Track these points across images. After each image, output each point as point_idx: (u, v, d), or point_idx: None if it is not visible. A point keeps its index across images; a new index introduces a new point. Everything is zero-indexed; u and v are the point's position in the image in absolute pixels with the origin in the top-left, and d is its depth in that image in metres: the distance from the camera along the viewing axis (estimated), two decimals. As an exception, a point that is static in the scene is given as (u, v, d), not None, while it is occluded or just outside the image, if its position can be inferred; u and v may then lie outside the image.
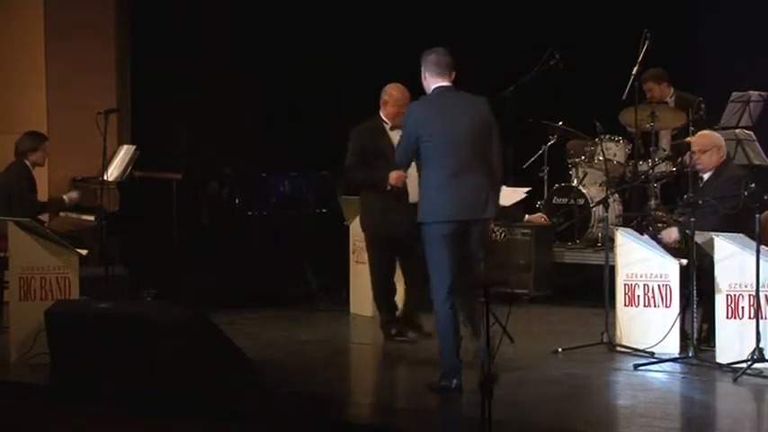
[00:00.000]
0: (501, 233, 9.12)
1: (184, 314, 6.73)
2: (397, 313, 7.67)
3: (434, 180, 6.27)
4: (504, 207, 8.14)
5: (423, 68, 6.37)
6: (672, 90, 9.53)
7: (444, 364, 6.32)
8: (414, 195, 7.00)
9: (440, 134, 6.27)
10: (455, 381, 6.26)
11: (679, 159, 8.99)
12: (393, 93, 7.47)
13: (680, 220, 7.35)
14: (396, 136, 7.16)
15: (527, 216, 9.30)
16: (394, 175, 7.19)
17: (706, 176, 7.46)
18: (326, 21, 10.60)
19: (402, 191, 7.25)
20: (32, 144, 8.61)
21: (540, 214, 9.36)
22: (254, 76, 10.90)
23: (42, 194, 8.96)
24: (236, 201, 8.93)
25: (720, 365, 6.78)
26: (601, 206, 8.71)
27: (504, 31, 10.52)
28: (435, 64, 6.34)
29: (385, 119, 7.49)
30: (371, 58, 9.99)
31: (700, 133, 7.70)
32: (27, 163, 8.60)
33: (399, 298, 7.69)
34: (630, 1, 10.16)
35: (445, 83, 6.37)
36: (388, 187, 7.24)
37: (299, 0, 10.67)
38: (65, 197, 8.87)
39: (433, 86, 6.36)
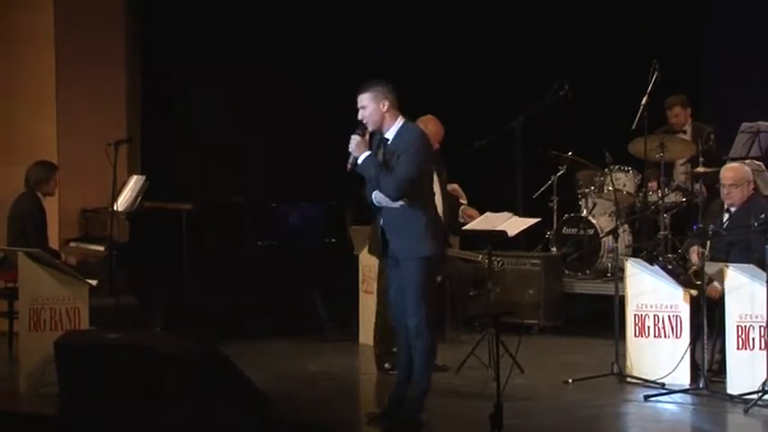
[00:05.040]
0: (500, 263, 9.11)
1: (194, 345, 6.74)
2: (394, 348, 7.66)
3: (431, 214, 6.27)
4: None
5: (385, 99, 6.16)
6: (690, 119, 9.58)
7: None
8: None
9: (431, 170, 6.35)
10: None
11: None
12: (431, 127, 7.35)
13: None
14: None
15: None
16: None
17: (734, 209, 7.41)
18: (335, 42, 10.66)
19: None
20: (44, 174, 8.63)
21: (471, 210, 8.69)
22: (264, 106, 10.96)
23: (52, 224, 8.98)
24: (246, 231, 8.96)
25: (731, 397, 6.77)
26: (610, 236, 8.73)
27: (513, 61, 10.58)
28: (395, 96, 6.24)
29: None
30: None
31: (730, 167, 7.60)
32: (39, 195, 8.63)
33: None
34: (638, 32, 10.22)
35: (404, 118, 6.29)
36: None
37: (305, 25, 10.73)
38: (63, 257, 8.56)
39: (401, 120, 6.22)
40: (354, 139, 6.16)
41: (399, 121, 6.23)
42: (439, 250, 6.31)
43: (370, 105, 6.16)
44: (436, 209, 6.40)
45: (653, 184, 9.36)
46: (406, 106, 6.41)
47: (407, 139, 6.18)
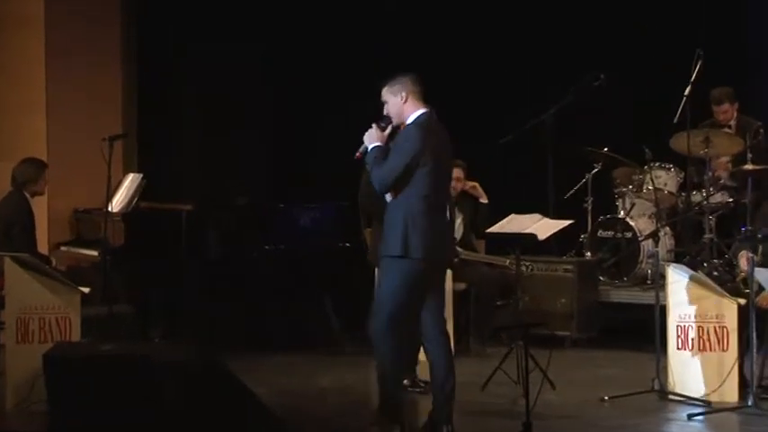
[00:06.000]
0: (529, 267, 9.08)
1: (195, 357, 6.74)
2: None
3: (412, 211, 6.30)
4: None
5: (402, 91, 6.37)
6: (736, 113, 9.52)
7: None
8: None
9: (432, 163, 6.34)
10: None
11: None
12: None
13: None
14: None
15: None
16: None
17: None
18: (331, 43, 10.71)
19: None
20: (33, 173, 8.63)
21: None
22: (267, 102, 10.97)
23: (41, 226, 9.00)
24: (251, 233, 8.96)
25: (783, 416, 6.75)
26: (650, 240, 8.70)
27: (543, 50, 10.55)
28: (418, 87, 6.43)
29: None
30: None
31: None
32: (26, 194, 8.64)
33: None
34: (679, 19, 10.17)
35: (427, 108, 6.44)
36: None
37: (305, 25, 10.79)
38: (53, 263, 8.59)
39: (420, 111, 6.39)
40: (371, 129, 6.40)
41: (417, 113, 6.38)
42: (419, 252, 6.25)
43: (390, 99, 6.43)
44: (430, 206, 6.33)
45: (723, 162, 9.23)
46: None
47: (402, 131, 6.39)
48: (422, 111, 6.38)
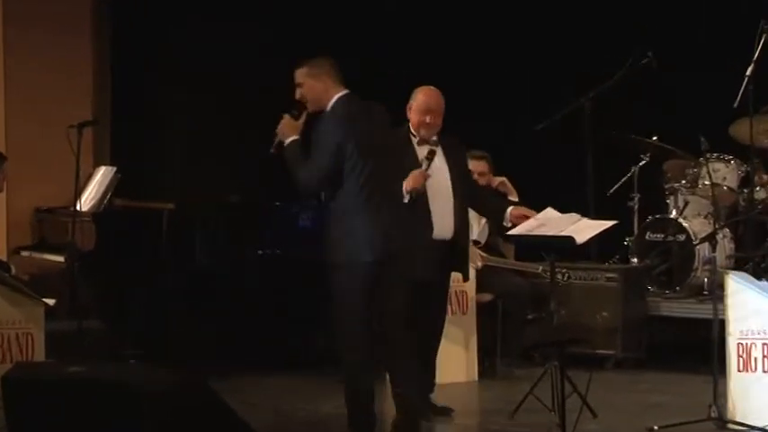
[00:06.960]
0: (566, 276, 9.07)
1: (176, 379, 6.75)
2: None
3: (354, 209, 6.49)
4: None
5: (323, 74, 6.61)
6: None
7: None
8: (440, 230, 7.34)
9: (358, 152, 6.49)
10: None
11: None
12: (418, 97, 7.57)
13: None
14: (424, 151, 7.47)
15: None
16: (415, 176, 7.27)
17: None
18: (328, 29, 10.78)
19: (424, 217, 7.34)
20: (-11, 167, 8.72)
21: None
22: (262, 85, 10.98)
23: (-1, 227, 9.06)
24: (243, 236, 8.98)
25: None
26: (707, 244, 8.68)
27: (582, 23, 10.55)
28: (337, 69, 6.65)
29: (412, 129, 7.57)
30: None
31: None
32: (-18, 192, 8.72)
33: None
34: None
35: (346, 90, 6.64)
36: (406, 198, 7.27)
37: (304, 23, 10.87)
38: (13, 270, 8.71)
39: (340, 94, 6.61)
40: (283, 120, 6.60)
41: (336, 97, 6.58)
42: (367, 254, 6.45)
43: (306, 82, 6.62)
44: (369, 198, 6.49)
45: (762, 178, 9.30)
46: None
47: (320, 125, 6.57)
48: (341, 94, 6.58)
